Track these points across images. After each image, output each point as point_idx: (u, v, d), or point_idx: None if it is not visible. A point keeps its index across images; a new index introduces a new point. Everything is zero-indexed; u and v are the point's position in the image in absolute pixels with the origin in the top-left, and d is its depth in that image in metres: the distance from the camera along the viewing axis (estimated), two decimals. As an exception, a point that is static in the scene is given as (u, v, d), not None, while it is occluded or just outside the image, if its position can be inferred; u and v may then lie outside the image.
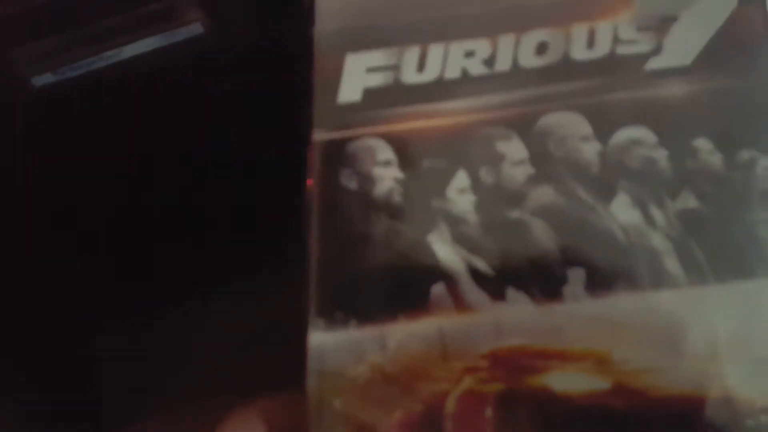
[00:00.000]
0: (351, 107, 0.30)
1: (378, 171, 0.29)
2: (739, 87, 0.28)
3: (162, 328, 0.39)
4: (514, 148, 0.29)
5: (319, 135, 0.30)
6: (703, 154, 0.28)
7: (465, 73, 0.30)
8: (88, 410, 0.39)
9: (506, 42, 0.30)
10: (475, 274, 0.28)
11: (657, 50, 0.29)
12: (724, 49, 0.29)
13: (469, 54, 0.30)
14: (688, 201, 0.27)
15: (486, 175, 0.29)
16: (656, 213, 0.28)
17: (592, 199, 0.28)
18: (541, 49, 0.30)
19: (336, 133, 0.30)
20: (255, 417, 0.28)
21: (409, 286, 0.28)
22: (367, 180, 0.29)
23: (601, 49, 0.30)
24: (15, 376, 0.39)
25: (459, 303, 0.27)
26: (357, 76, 0.30)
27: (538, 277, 0.27)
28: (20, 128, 0.37)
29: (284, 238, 0.28)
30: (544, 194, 0.28)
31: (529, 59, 0.30)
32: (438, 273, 0.28)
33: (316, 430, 0.27)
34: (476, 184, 0.29)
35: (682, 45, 0.29)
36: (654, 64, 0.29)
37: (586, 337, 0.26)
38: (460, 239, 0.28)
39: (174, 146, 0.37)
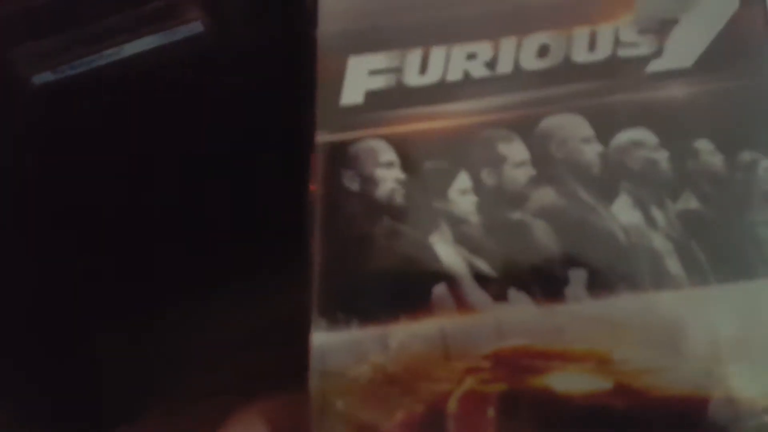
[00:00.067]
0: (353, 109, 0.30)
1: (380, 172, 0.29)
2: (740, 89, 0.28)
3: (163, 328, 0.39)
4: (515, 150, 0.29)
5: (322, 137, 0.30)
6: (704, 156, 0.28)
7: (467, 75, 0.30)
8: (88, 410, 0.39)
9: (508, 45, 0.30)
10: (477, 275, 0.28)
11: (658, 53, 0.29)
12: (725, 52, 0.29)
13: (471, 56, 0.30)
14: (689, 202, 0.28)
15: (488, 177, 0.29)
16: (657, 214, 0.28)
17: (594, 200, 0.28)
18: (543, 51, 0.30)
19: (338, 135, 0.30)
20: (257, 417, 0.28)
21: (410, 287, 0.28)
22: (369, 181, 0.29)
23: (602, 51, 0.30)
24: (15, 376, 0.39)
25: (461, 303, 0.27)
26: (359, 79, 0.31)
27: (539, 278, 0.27)
28: (20, 127, 0.37)
29: (286, 239, 0.29)
30: (546, 195, 0.28)
31: (530, 62, 0.30)
32: (440, 273, 0.28)
33: (318, 430, 0.27)
34: (478, 186, 0.29)
35: (683, 47, 0.29)
36: (655, 66, 0.29)
37: (588, 338, 0.26)
38: (462, 240, 0.28)
39: (174, 145, 0.37)
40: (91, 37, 0.34)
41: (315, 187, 0.29)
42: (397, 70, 0.31)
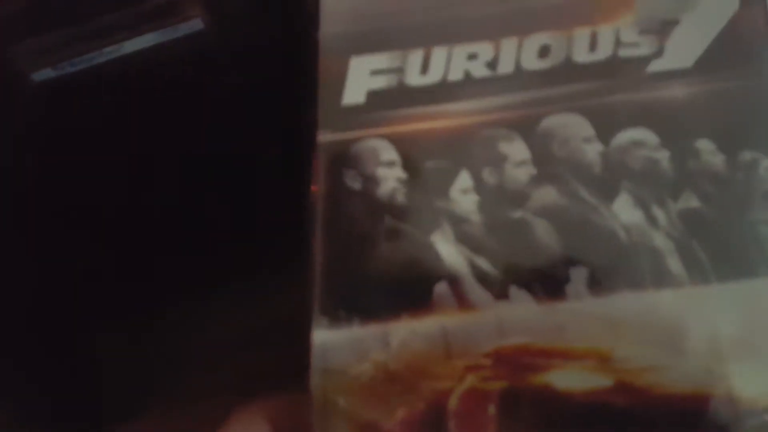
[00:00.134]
0: (355, 109, 0.30)
1: (382, 171, 0.30)
2: (741, 89, 0.29)
3: (163, 328, 0.39)
4: (516, 149, 0.29)
5: (324, 136, 0.30)
6: (704, 155, 0.28)
7: (468, 75, 0.30)
8: (89, 410, 0.39)
9: (509, 45, 0.31)
10: (478, 273, 0.28)
11: (658, 53, 0.30)
12: (725, 52, 0.29)
13: (472, 57, 0.31)
14: (690, 201, 0.28)
15: (489, 176, 0.29)
16: (658, 213, 0.28)
17: (595, 199, 0.28)
18: (544, 52, 0.30)
19: (340, 135, 0.30)
20: (258, 415, 0.28)
21: (412, 285, 0.28)
22: (370, 180, 0.29)
23: (603, 52, 0.30)
24: (15, 376, 0.39)
25: (462, 302, 0.28)
26: (361, 79, 0.31)
27: (540, 277, 0.27)
28: (20, 123, 0.37)
29: (287, 238, 0.29)
30: (547, 194, 0.29)
31: (531, 62, 0.30)
32: (441, 272, 0.28)
33: (320, 428, 0.27)
34: (479, 185, 0.29)
35: (684, 48, 0.29)
36: (655, 66, 0.29)
37: (589, 336, 0.27)
38: (464, 239, 0.28)
39: (175, 144, 0.37)
40: (92, 34, 0.34)
41: (316, 187, 0.30)
42: (399, 70, 0.31)
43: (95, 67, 0.35)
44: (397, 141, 0.30)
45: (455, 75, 0.30)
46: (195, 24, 0.34)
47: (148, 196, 0.38)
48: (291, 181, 0.29)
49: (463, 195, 0.29)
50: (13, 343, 0.39)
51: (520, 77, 0.30)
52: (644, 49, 0.30)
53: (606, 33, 0.30)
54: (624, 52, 0.30)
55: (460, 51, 0.31)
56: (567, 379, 0.26)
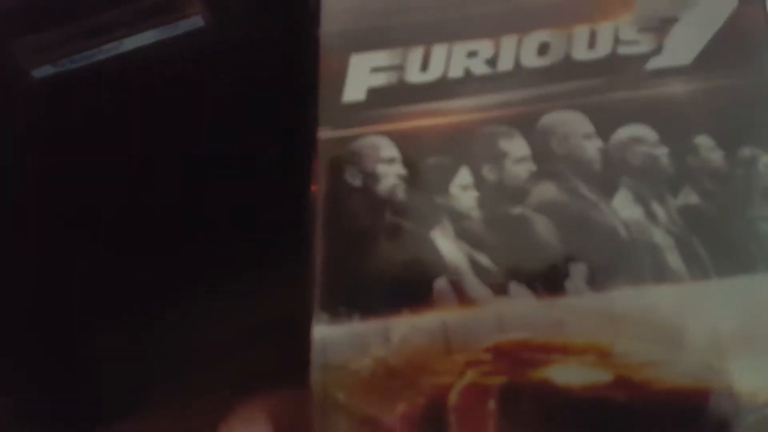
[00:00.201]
0: (355, 106, 0.30)
1: (382, 168, 0.30)
2: (740, 85, 0.29)
3: (164, 325, 0.39)
4: (516, 146, 0.29)
5: (324, 133, 0.30)
6: (703, 151, 0.28)
7: (468, 72, 0.30)
8: (89, 407, 0.39)
9: (509, 43, 0.31)
10: (478, 269, 0.28)
11: (657, 50, 0.30)
12: (724, 49, 0.29)
13: (472, 54, 0.31)
14: (690, 197, 0.28)
15: (489, 172, 0.29)
16: (658, 209, 0.28)
17: (594, 195, 0.28)
18: (543, 49, 0.30)
19: (340, 132, 0.30)
20: (259, 411, 0.28)
21: (412, 281, 0.28)
22: (371, 177, 0.30)
23: (602, 49, 0.30)
24: (15, 375, 0.39)
25: (462, 297, 0.28)
26: (361, 76, 0.31)
27: (540, 272, 0.28)
28: (20, 121, 0.37)
29: (288, 234, 0.29)
30: (547, 191, 0.29)
31: (531, 59, 0.30)
32: (441, 268, 0.28)
33: (320, 424, 0.27)
34: (479, 181, 0.29)
35: (683, 45, 0.30)
36: (654, 63, 0.30)
37: (588, 331, 0.27)
38: (463, 235, 0.28)
39: (175, 141, 0.37)
40: (92, 31, 0.34)
41: (316, 183, 0.30)
42: (399, 68, 0.31)
43: (95, 64, 0.35)
44: (397, 138, 0.30)
45: (455, 72, 0.31)
46: (195, 21, 0.34)
47: (148, 193, 0.38)
48: (291, 177, 0.29)
49: (463, 191, 0.29)
50: (13, 342, 0.39)
51: (520, 74, 0.30)
52: (643, 47, 0.30)
53: (605, 31, 0.30)
54: (623, 50, 0.30)
55: (460, 48, 0.31)
56: (567, 374, 0.26)
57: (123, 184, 0.38)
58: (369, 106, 0.30)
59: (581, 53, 0.30)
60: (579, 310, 0.27)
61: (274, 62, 0.35)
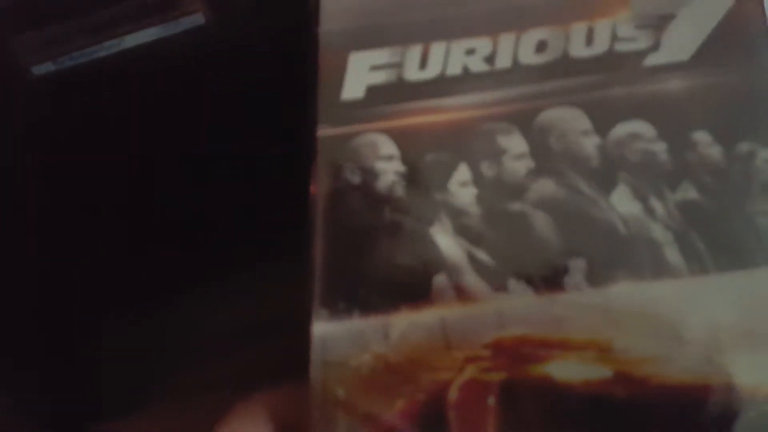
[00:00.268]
0: (354, 104, 0.31)
1: (380, 165, 0.30)
2: (738, 81, 0.29)
3: (164, 323, 0.39)
4: (514, 142, 0.29)
5: (323, 131, 0.30)
6: (702, 147, 0.28)
7: (466, 70, 0.31)
8: (90, 403, 0.39)
9: (507, 40, 0.31)
10: (477, 265, 0.28)
11: (655, 47, 0.30)
12: (722, 45, 0.29)
13: (470, 52, 0.31)
14: (688, 192, 0.28)
15: (487, 169, 0.29)
16: (656, 204, 0.28)
17: (593, 191, 0.28)
18: (541, 47, 0.31)
19: (340, 129, 0.30)
20: (259, 408, 0.28)
21: (411, 277, 0.28)
22: (370, 174, 0.30)
23: (600, 46, 0.30)
24: (15, 371, 0.39)
25: (461, 293, 0.28)
26: (360, 74, 0.31)
27: (539, 268, 0.28)
28: (19, 118, 0.37)
29: (287, 231, 0.29)
30: (545, 187, 0.29)
31: (529, 57, 0.30)
32: (440, 264, 0.28)
33: (320, 420, 0.27)
34: (478, 178, 0.29)
35: (680, 42, 0.30)
36: (652, 60, 0.30)
37: (588, 327, 0.27)
38: (462, 231, 0.28)
39: (175, 137, 0.37)
40: (92, 28, 0.34)
41: (316, 181, 0.30)
42: (398, 66, 0.31)
43: (95, 61, 0.35)
44: (396, 135, 0.30)
45: (453, 70, 0.31)
46: (196, 18, 0.34)
47: (147, 191, 0.38)
48: (290, 175, 0.30)
49: (461, 188, 0.29)
50: (14, 342, 0.39)
51: (518, 72, 0.30)
52: (641, 44, 0.30)
53: (603, 28, 0.30)
54: (620, 47, 0.30)
55: (459, 46, 0.31)
56: (566, 369, 0.26)
57: (122, 181, 0.38)
58: (368, 103, 0.31)
59: (579, 50, 0.30)
60: (578, 305, 0.27)
61: (273, 60, 0.35)
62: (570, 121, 0.29)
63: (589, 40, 0.30)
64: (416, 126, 0.30)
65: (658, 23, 0.30)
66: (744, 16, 0.29)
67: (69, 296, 0.39)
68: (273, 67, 0.35)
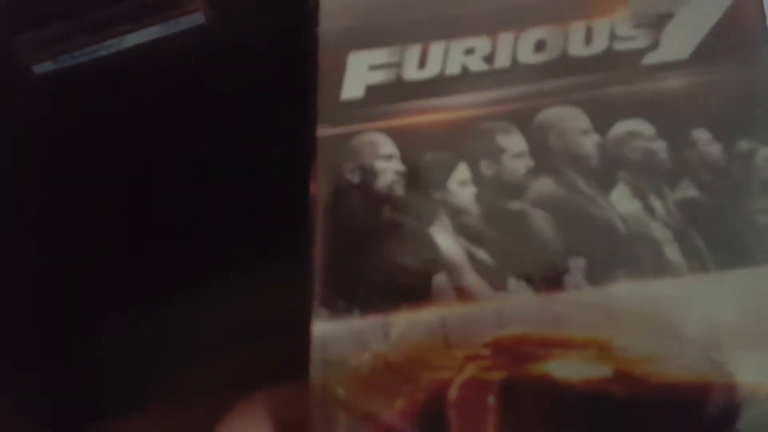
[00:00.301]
0: (354, 103, 0.31)
1: (380, 164, 0.30)
2: (737, 79, 0.29)
3: (164, 322, 0.39)
4: (514, 141, 0.29)
5: (323, 130, 0.30)
6: (701, 145, 0.28)
7: (465, 69, 0.31)
8: (90, 402, 0.39)
9: (506, 39, 0.31)
10: (477, 264, 0.28)
11: (654, 45, 0.30)
12: (720, 43, 0.29)
13: (469, 51, 0.31)
14: (688, 190, 0.28)
15: (487, 168, 0.29)
16: (656, 203, 0.28)
17: (592, 189, 0.28)
18: (540, 46, 0.31)
19: (339, 129, 0.30)
20: (259, 407, 0.28)
21: (411, 277, 0.28)
22: (369, 173, 0.30)
23: (599, 45, 0.30)
24: (15, 370, 0.39)
25: (461, 292, 0.28)
26: (360, 74, 0.31)
27: (539, 267, 0.28)
28: (20, 116, 0.37)
29: (287, 230, 0.29)
30: (544, 185, 0.29)
31: (528, 56, 0.30)
32: (440, 263, 0.28)
33: (320, 419, 0.27)
34: (477, 177, 0.29)
35: (679, 40, 0.30)
36: (651, 59, 0.30)
37: (588, 326, 0.27)
38: (462, 230, 0.28)
39: (175, 136, 0.37)
40: (93, 27, 0.34)
41: (316, 180, 0.30)
42: (397, 65, 0.31)
43: (96, 60, 0.35)
44: (395, 134, 0.30)
45: (453, 69, 0.31)
46: (196, 18, 0.34)
47: (147, 191, 0.38)
48: (290, 174, 0.30)
49: (461, 187, 0.29)
50: (14, 341, 0.39)
51: (517, 71, 0.30)
52: (639, 42, 0.30)
53: (601, 27, 0.30)
54: (619, 46, 0.30)
55: (458, 46, 0.31)
56: (566, 368, 0.26)
57: (122, 181, 0.38)
58: (367, 103, 0.31)
59: (578, 49, 0.30)
60: (578, 304, 0.27)
61: (273, 59, 0.35)
62: (569, 120, 0.29)
63: (588, 39, 0.30)
64: (416, 125, 0.30)
65: (657, 22, 0.30)
66: (743, 14, 0.29)
67: (69, 296, 0.39)
68: (273, 66, 0.35)
